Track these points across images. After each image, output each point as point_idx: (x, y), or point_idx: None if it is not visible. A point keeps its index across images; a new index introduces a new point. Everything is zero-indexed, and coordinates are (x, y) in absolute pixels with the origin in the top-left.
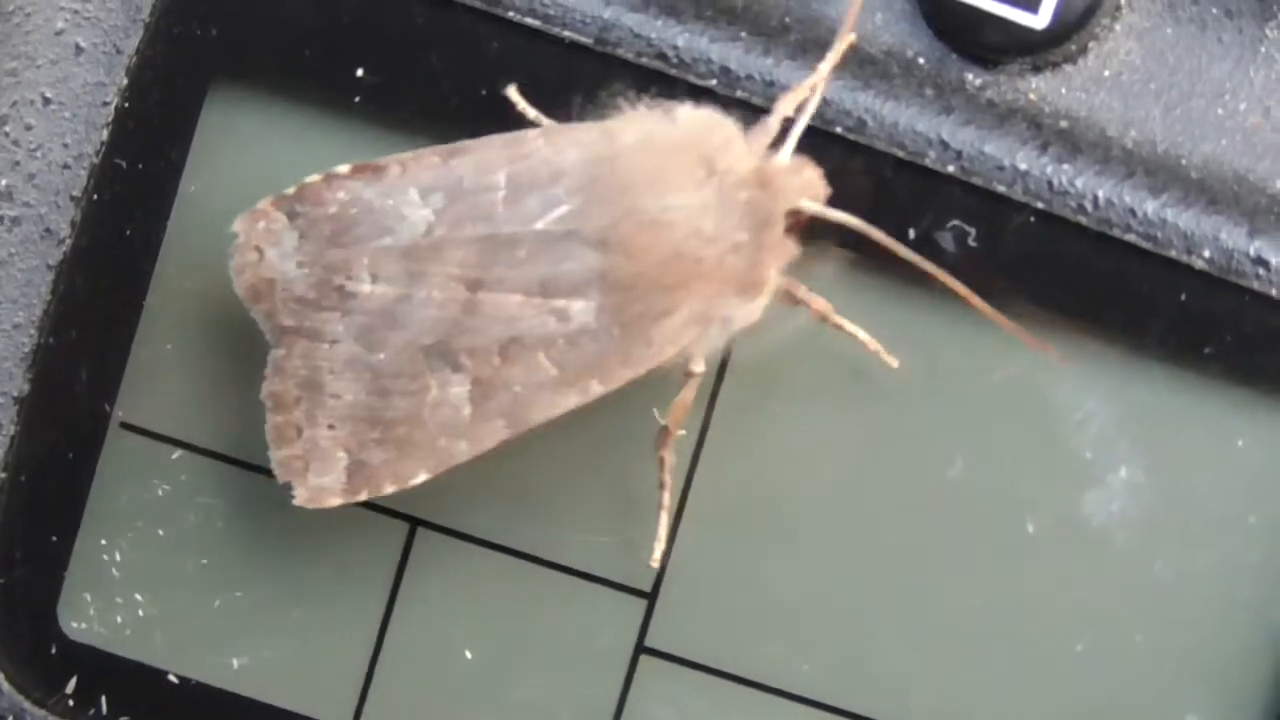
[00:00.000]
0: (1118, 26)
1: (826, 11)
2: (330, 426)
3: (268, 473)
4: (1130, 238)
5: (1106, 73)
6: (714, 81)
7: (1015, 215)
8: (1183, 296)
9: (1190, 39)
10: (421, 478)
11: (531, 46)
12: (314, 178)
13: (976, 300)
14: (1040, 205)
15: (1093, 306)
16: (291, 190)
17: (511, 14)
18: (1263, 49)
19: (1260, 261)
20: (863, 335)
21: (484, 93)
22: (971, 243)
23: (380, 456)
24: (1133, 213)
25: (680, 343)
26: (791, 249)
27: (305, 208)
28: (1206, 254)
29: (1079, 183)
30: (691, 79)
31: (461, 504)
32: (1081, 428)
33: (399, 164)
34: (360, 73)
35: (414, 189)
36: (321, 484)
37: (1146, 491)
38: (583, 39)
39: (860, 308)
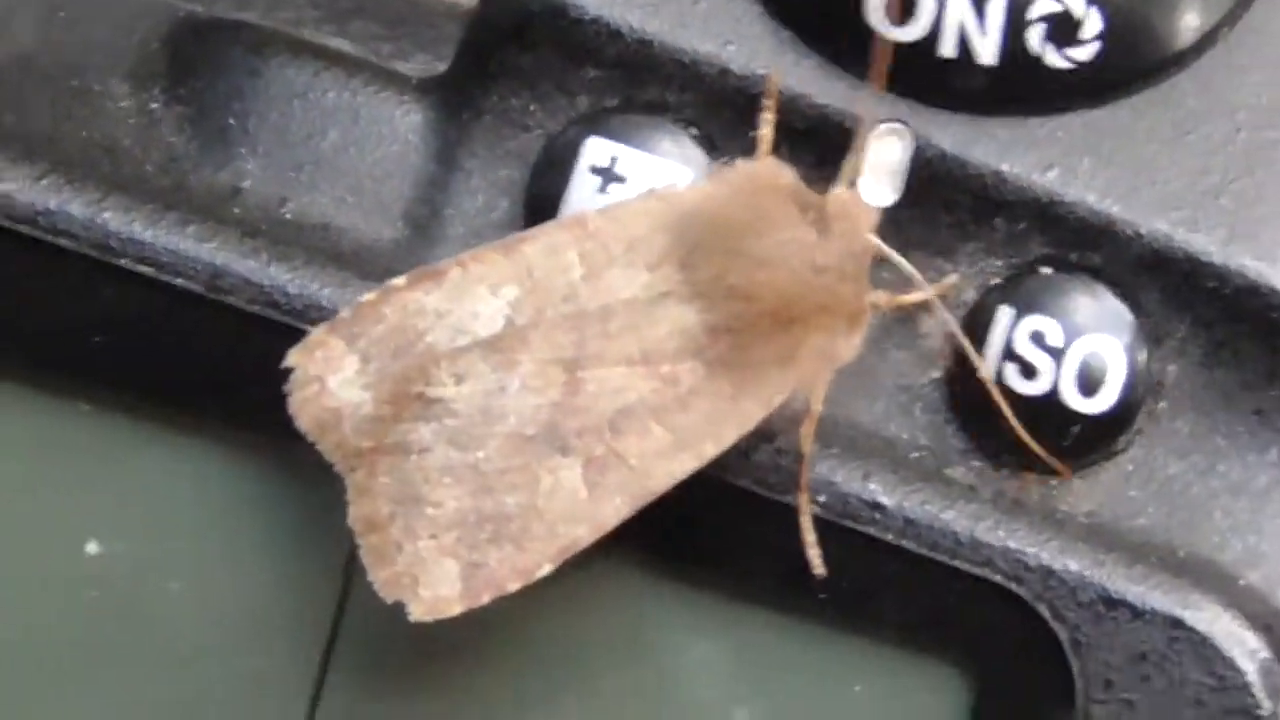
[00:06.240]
0: None
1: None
2: (433, 536)
3: None
4: (743, 483)
5: None
6: None
7: None
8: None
9: None
10: (546, 569)
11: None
12: (368, 296)
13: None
14: None
15: (707, 550)
16: (346, 313)
17: None
18: None
19: (875, 506)
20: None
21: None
22: None
23: (496, 555)
24: None
25: (790, 389)
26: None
27: (363, 328)
28: (823, 498)
29: None
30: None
31: None
32: (696, 672)
33: (459, 265)
34: None
35: (481, 286)
36: (437, 595)
37: None
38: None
39: None
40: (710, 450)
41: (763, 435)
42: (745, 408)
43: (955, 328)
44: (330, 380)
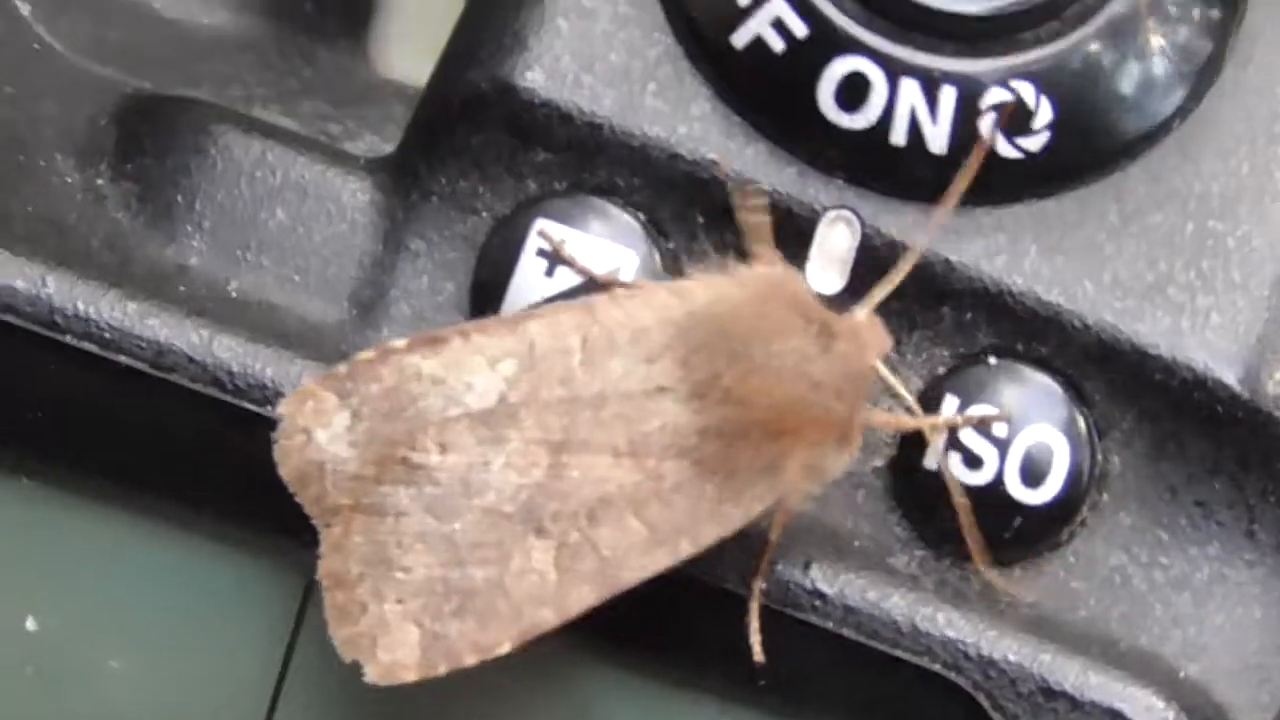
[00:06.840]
0: None
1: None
2: (399, 601)
3: None
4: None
5: None
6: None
7: None
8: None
9: None
10: (505, 648)
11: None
12: (366, 354)
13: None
14: None
15: (649, 634)
16: (343, 368)
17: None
18: None
19: (816, 594)
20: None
21: None
22: None
23: (458, 628)
24: None
25: (772, 499)
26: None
27: (357, 385)
28: (763, 585)
29: None
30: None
31: None
32: None
33: (460, 334)
34: None
35: (480, 357)
36: (394, 659)
37: None
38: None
39: None
40: (686, 549)
41: None
42: (726, 511)
43: (947, 467)
44: (318, 433)
